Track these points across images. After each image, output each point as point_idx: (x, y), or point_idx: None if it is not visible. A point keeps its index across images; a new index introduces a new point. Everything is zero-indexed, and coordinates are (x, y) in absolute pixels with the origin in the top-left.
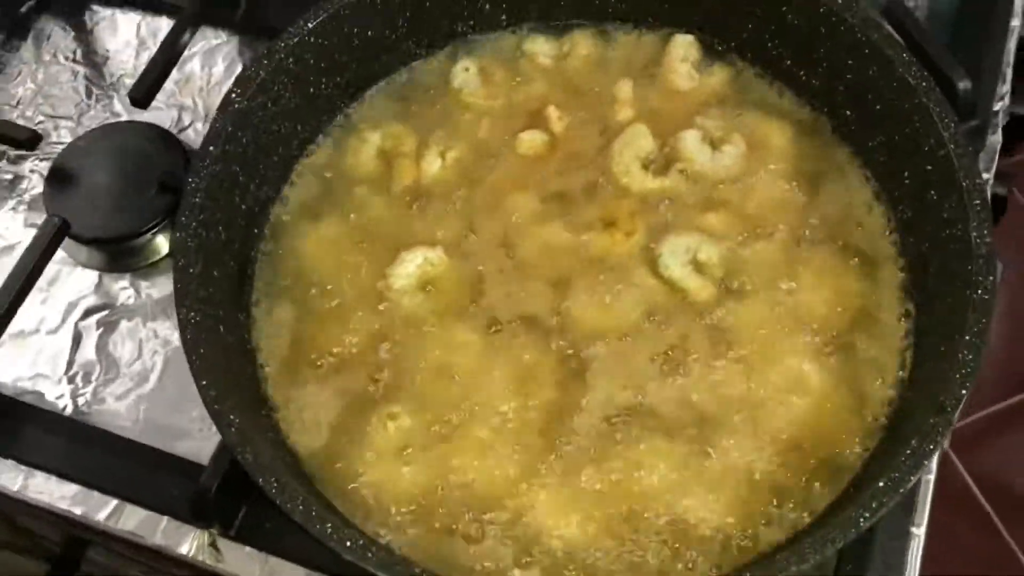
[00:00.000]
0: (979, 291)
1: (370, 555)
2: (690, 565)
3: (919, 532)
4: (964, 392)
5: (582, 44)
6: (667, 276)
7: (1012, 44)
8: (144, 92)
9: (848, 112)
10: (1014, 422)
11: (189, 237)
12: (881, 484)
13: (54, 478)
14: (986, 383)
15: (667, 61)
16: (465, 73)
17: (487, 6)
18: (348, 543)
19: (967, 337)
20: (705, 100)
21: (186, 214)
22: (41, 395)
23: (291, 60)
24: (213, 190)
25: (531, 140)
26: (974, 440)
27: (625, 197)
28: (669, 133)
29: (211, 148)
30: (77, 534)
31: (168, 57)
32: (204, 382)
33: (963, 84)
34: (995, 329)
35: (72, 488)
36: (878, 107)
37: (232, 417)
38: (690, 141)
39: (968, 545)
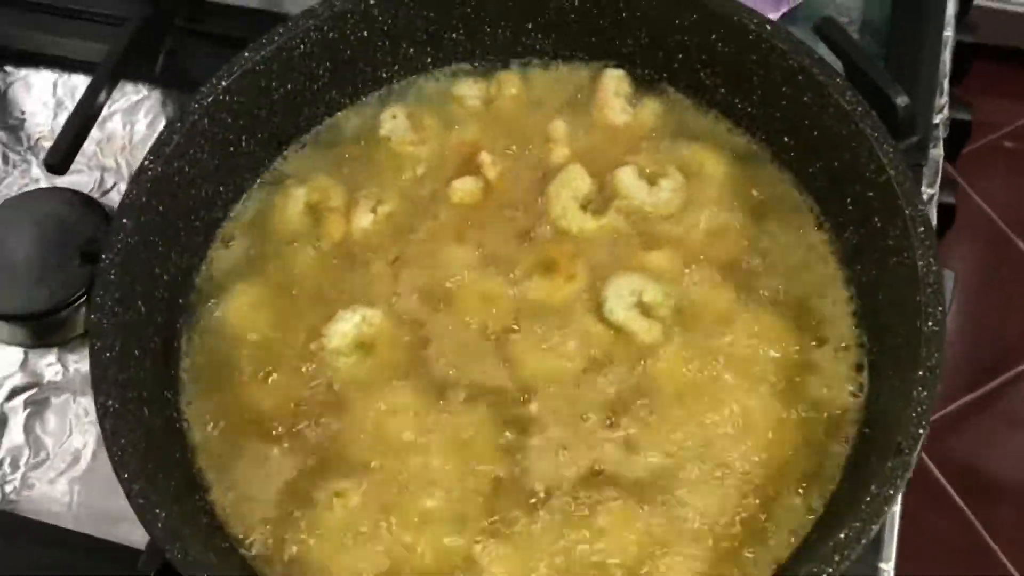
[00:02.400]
0: (929, 323)
1: None
2: None
3: (888, 567)
4: (921, 432)
5: (510, 84)
6: (612, 320)
7: (947, 55)
8: (61, 157)
9: (786, 139)
10: (979, 414)
11: (104, 318)
12: (843, 536)
13: None
14: (949, 373)
15: (599, 96)
16: (393, 121)
17: (411, 49)
18: None
19: (920, 372)
20: (640, 134)
21: (100, 293)
22: None
23: (207, 120)
24: (129, 265)
25: (465, 188)
26: (942, 433)
27: (564, 239)
28: (606, 170)
29: (125, 221)
30: None
31: (85, 117)
32: (126, 475)
33: (901, 100)
34: (953, 322)
35: None
36: (815, 133)
37: (158, 511)
38: (627, 178)
39: (940, 537)
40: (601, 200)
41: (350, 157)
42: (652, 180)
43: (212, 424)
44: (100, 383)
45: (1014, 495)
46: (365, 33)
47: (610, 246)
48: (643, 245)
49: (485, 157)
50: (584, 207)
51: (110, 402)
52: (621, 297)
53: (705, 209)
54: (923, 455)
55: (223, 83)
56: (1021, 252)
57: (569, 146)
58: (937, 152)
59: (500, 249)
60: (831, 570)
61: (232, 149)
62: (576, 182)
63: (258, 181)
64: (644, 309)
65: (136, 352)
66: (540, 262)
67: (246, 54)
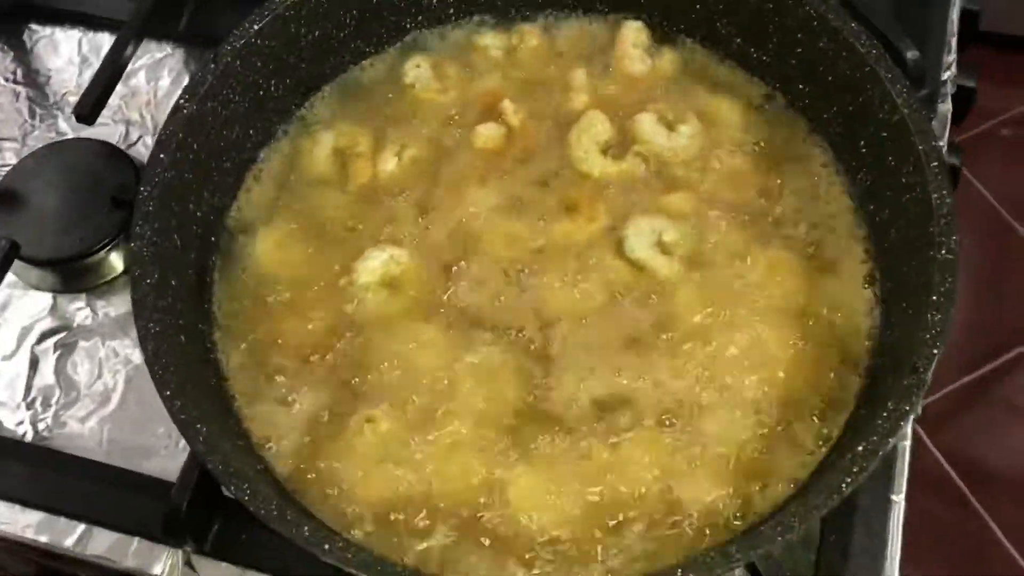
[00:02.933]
0: (943, 251)
1: (350, 556)
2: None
3: (899, 499)
4: (936, 352)
5: (531, 36)
6: (633, 258)
7: (955, 14)
8: (89, 108)
9: (801, 86)
10: (978, 397)
11: (144, 247)
12: (860, 448)
13: (17, 506)
14: (948, 360)
15: (618, 47)
16: (417, 69)
17: (434, 1)
18: (326, 546)
19: (934, 297)
20: (658, 83)
21: (140, 223)
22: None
23: (238, 63)
24: (166, 198)
25: (488, 133)
26: (942, 417)
27: (585, 183)
28: (625, 118)
29: (162, 156)
30: (46, 563)
31: (112, 71)
32: (168, 392)
33: (911, 54)
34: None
35: (36, 516)
36: (830, 79)
37: (199, 426)
38: (646, 123)
39: (943, 522)
40: (621, 145)
41: (375, 104)
42: (671, 126)
43: (244, 355)
44: (142, 308)
45: (1014, 485)
46: None
47: (629, 189)
48: (662, 188)
49: (507, 105)
50: (604, 151)
51: (151, 325)
52: (641, 236)
53: (723, 153)
54: (924, 438)
55: (255, 27)
56: (1022, 238)
57: (589, 94)
58: (945, 107)
59: (523, 192)
60: (849, 480)
61: (262, 93)
62: (597, 127)
63: (287, 126)
64: (663, 248)
65: (173, 282)
66: (562, 204)
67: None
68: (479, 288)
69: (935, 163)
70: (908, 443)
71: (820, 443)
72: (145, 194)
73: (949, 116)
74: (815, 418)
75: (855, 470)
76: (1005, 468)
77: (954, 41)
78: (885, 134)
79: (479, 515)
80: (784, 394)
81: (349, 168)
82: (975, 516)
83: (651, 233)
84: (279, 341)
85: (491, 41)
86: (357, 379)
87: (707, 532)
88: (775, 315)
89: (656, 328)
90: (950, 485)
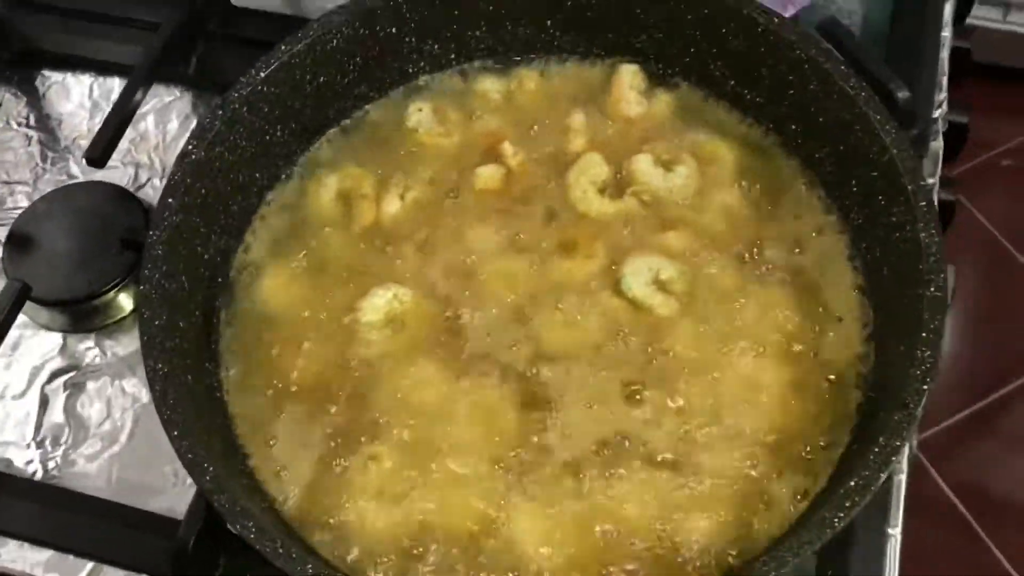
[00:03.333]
0: (931, 288)
1: None
2: None
3: (895, 532)
4: (925, 388)
5: (529, 80)
6: (631, 296)
7: (945, 54)
8: (100, 152)
9: (793, 126)
10: (982, 427)
11: (153, 289)
12: (852, 483)
13: (27, 545)
14: (951, 390)
15: (615, 90)
16: (419, 113)
17: (436, 47)
18: None
19: (923, 334)
20: (654, 125)
21: (148, 267)
22: (9, 462)
23: (245, 109)
24: (175, 242)
25: (488, 175)
26: (946, 448)
27: (583, 222)
28: (622, 158)
29: (170, 200)
30: None
31: (122, 115)
32: (176, 433)
33: (902, 94)
34: (955, 336)
35: (45, 554)
36: (821, 119)
37: (206, 465)
38: (642, 164)
39: (949, 552)
40: (618, 185)
41: (378, 147)
42: (667, 167)
43: (249, 393)
44: (150, 349)
45: (1020, 514)
46: (393, 30)
47: (627, 228)
48: (659, 227)
49: (507, 147)
50: (602, 191)
51: (159, 366)
52: (639, 274)
53: (717, 193)
54: (929, 469)
55: (261, 74)
56: (1022, 267)
57: (587, 136)
58: (937, 144)
59: (522, 231)
60: (841, 515)
61: (268, 137)
62: (594, 168)
63: (292, 169)
64: (660, 286)
65: (181, 323)
66: (561, 243)
67: (282, 47)
68: (480, 326)
69: (923, 202)
70: (904, 476)
71: (814, 478)
72: (154, 238)
73: (941, 153)
74: (809, 454)
75: (847, 504)
76: (1011, 498)
77: (945, 80)
78: (875, 173)
79: (479, 552)
80: (779, 430)
81: (353, 210)
82: (981, 546)
83: (648, 271)
84: (284, 379)
85: (491, 85)
86: (361, 416)
87: (704, 569)
88: (770, 352)
89: (653, 365)
90: (956, 515)
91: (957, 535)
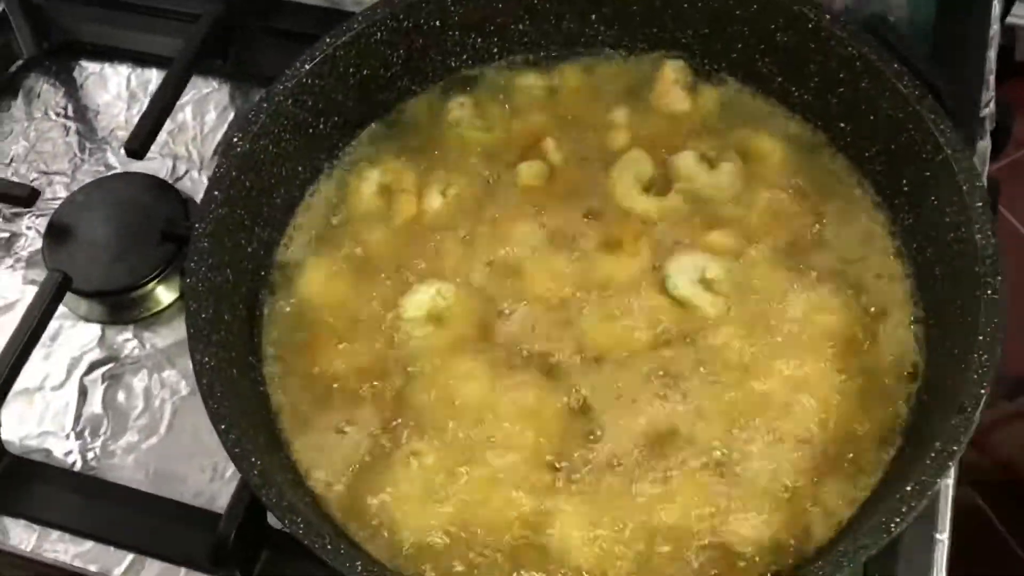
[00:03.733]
0: (988, 291)
1: None
2: None
3: (943, 538)
4: (983, 392)
5: (572, 75)
6: (676, 295)
7: (993, 52)
8: (140, 143)
9: (842, 125)
10: (1009, 430)
11: (199, 281)
12: (908, 488)
13: (67, 535)
14: None
15: (659, 85)
16: (460, 108)
17: (479, 40)
18: None
19: (980, 337)
20: (699, 121)
21: (195, 259)
22: (49, 452)
23: (290, 102)
24: (220, 234)
25: (530, 171)
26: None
27: (627, 220)
28: (666, 155)
29: (216, 192)
30: None
31: (161, 107)
32: (223, 426)
33: (949, 92)
34: None
35: (86, 545)
36: (872, 118)
37: (254, 459)
38: (687, 161)
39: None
40: (662, 183)
41: (420, 141)
42: (712, 164)
43: (292, 388)
44: (197, 341)
45: None
46: (437, 23)
47: (672, 226)
48: (704, 225)
49: (549, 143)
50: (646, 189)
51: (206, 359)
52: (685, 273)
53: (764, 191)
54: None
55: (306, 67)
56: None
57: (630, 132)
58: (984, 144)
59: (566, 228)
60: (898, 520)
61: (311, 131)
62: (639, 165)
63: (334, 162)
64: (706, 285)
65: (226, 316)
66: (604, 241)
67: (327, 40)
68: (523, 323)
69: (979, 203)
70: (951, 482)
71: (865, 482)
72: (200, 230)
73: (988, 153)
74: (860, 457)
75: (903, 510)
76: None
77: (992, 78)
78: (928, 173)
79: (522, 549)
80: (829, 432)
81: (394, 204)
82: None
83: (694, 270)
84: (327, 374)
85: (533, 81)
86: (403, 412)
87: (752, 570)
88: (816, 352)
89: (699, 364)
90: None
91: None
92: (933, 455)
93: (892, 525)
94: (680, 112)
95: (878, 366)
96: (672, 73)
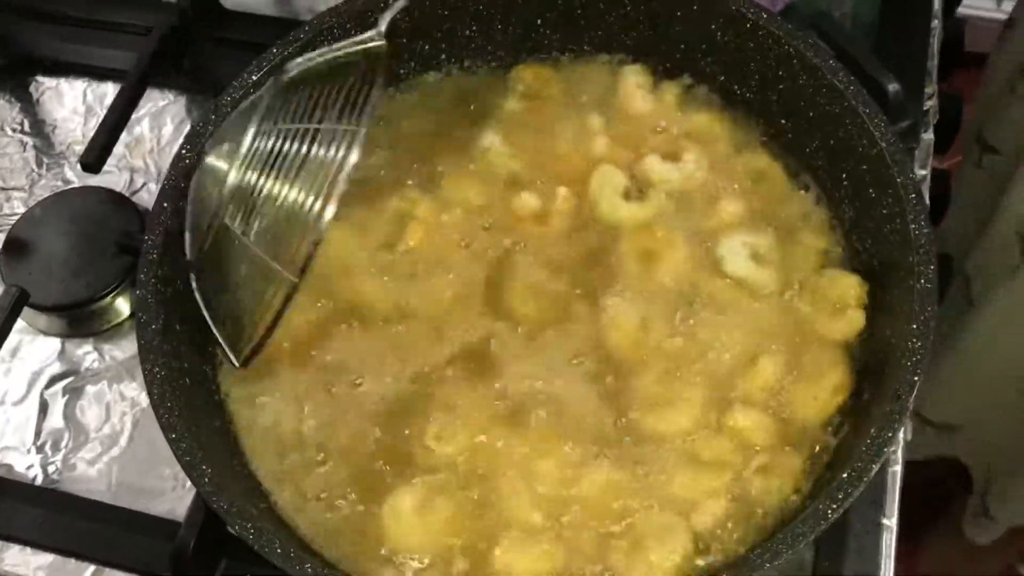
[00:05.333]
0: (921, 280)
1: None
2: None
3: (891, 523)
4: (916, 379)
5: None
6: (733, 275)
7: (935, 45)
8: (95, 157)
9: (783, 121)
10: None
11: (149, 293)
12: (845, 475)
13: (28, 549)
14: None
15: (622, 91)
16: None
17: (426, 47)
18: None
19: (914, 326)
20: (666, 117)
21: (144, 271)
22: (10, 467)
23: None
24: (169, 245)
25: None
26: None
27: (626, 230)
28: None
29: (164, 204)
30: None
31: (116, 121)
32: (173, 435)
33: (892, 86)
34: None
35: (47, 558)
36: (811, 114)
37: (204, 467)
38: (654, 164)
39: None
40: (639, 187)
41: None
42: (675, 158)
43: (247, 396)
44: (147, 352)
45: None
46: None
47: (680, 216)
48: (707, 203)
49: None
50: (627, 197)
51: (156, 369)
52: (736, 252)
53: (740, 158)
54: None
55: (253, 77)
56: None
57: (606, 136)
58: (928, 136)
59: (576, 269)
60: (835, 507)
61: None
62: (613, 179)
63: None
64: (757, 259)
65: (177, 327)
66: (629, 253)
67: (275, 49)
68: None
69: (913, 195)
70: (899, 468)
71: (809, 472)
72: (149, 242)
73: (931, 145)
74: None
75: (840, 496)
76: None
77: (935, 71)
78: (865, 167)
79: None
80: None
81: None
82: None
83: (742, 247)
84: (283, 383)
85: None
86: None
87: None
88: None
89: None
90: None
91: None
92: (869, 442)
93: (829, 512)
94: (646, 112)
95: (826, 355)
96: (632, 77)
